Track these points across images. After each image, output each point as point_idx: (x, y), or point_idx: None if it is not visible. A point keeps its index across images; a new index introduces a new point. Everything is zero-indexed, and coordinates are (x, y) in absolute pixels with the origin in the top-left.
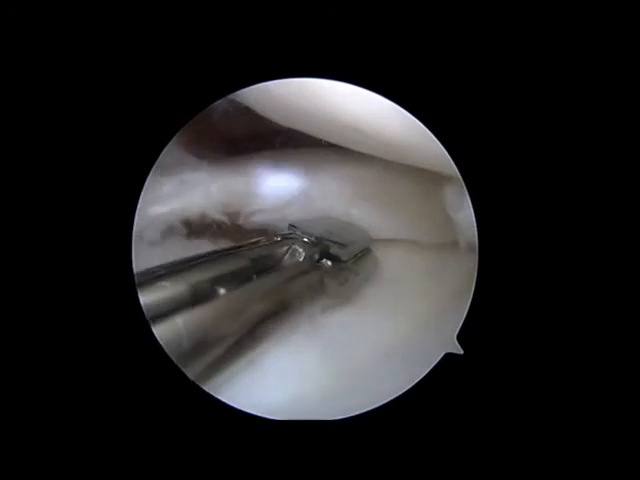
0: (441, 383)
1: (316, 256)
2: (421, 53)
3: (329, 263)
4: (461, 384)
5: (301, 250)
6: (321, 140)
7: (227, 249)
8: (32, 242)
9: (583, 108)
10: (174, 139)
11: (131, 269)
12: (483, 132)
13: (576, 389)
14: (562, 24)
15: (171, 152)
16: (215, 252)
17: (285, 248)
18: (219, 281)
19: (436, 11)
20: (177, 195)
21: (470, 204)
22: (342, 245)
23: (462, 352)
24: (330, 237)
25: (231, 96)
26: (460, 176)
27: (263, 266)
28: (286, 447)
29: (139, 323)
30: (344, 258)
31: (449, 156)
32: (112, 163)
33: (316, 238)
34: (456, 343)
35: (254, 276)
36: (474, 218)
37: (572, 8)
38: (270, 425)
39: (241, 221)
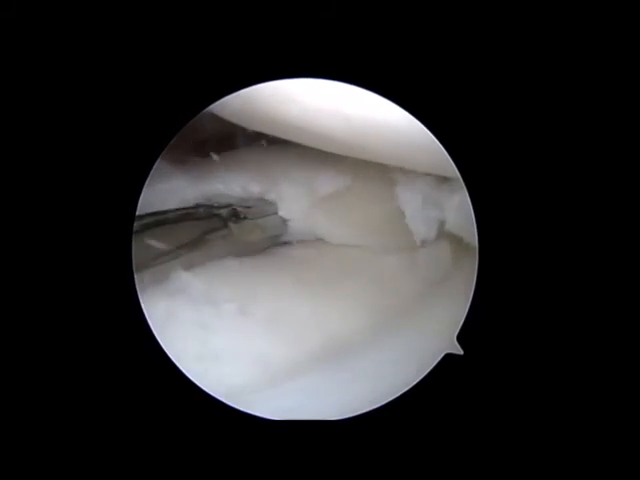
0: (441, 383)
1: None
2: (419, 52)
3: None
4: (461, 384)
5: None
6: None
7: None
8: (29, 242)
9: (582, 108)
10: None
11: (130, 268)
12: (483, 132)
13: (576, 389)
14: (560, 24)
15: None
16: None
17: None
18: None
19: (435, 11)
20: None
21: (470, 204)
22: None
23: (462, 352)
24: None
25: (212, 107)
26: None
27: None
28: (286, 447)
29: (139, 323)
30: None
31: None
32: (111, 160)
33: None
34: (456, 343)
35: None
36: (474, 217)
37: (570, 8)
38: (270, 425)
39: None
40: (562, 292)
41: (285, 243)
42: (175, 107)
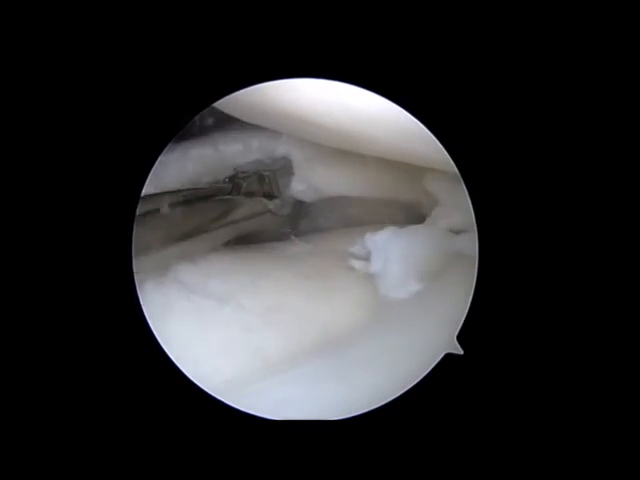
0: (441, 383)
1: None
2: (417, 52)
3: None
4: (461, 384)
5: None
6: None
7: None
8: (28, 240)
9: (582, 109)
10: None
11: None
12: (482, 132)
13: (576, 388)
14: (555, 23)
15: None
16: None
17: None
18: None
19: (433, 11)
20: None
21: (469, 202)
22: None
23: (462, 352)
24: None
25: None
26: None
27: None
28: (286, 447)
29: (139, 323)
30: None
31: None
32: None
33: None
34: (456, 343)
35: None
36: (473, 216)
37: (560, 9)
38: (270, 425)
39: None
40: (562, 292)
41: (285, 237)
42: (174, 107)
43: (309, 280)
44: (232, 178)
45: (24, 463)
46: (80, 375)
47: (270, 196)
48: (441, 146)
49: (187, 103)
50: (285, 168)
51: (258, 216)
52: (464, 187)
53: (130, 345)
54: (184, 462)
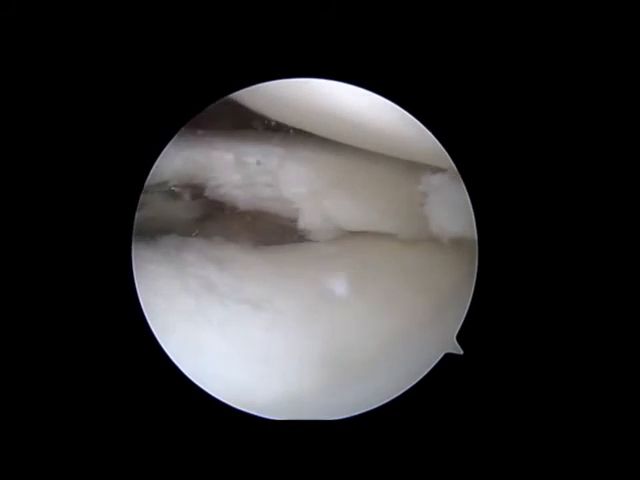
0: (441, 383)
1: None
2: (415, 51)
3: None
4: (461, 384)
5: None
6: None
7: None
8: (28, 238)
9: (581, 109)
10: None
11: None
12: (482, 131)
13: (576, 388)
14: (553, 18)
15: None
16: None
17: None
18: None
19: (431, 11)
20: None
21: (468, 199)
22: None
23: (462, 352)
24: None
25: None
26: (455, 167)
27: None
28: (286, 447)
29: (139, 323)
30: None
31: (442, 147)
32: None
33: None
34: (456, 343)
35: None
36: (473, 215)
37: (557, 8)
38: (269, 425)
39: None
40: (563, 291)
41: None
42: (175, 107)
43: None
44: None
45: (19, 458)
46: (78, 378)
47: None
48: (441, 146)
49: (182, 105)
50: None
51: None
52: (464, 187)
53: (129, 343)
54: (184, 462)
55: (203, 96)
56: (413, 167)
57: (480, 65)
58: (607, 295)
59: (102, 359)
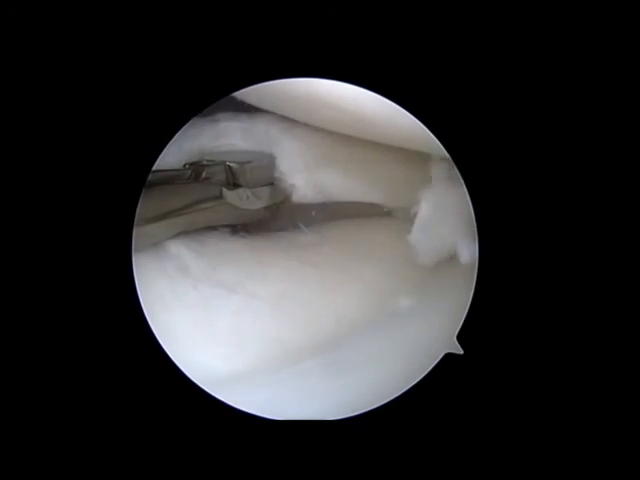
0: (441, 383)
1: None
2: (415, 51)
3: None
4: (461, 384)
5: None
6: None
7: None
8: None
9: (582, 109)
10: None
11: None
12: (482, 131)
13: (576, 388)
14: (551, 17)
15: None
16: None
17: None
18: None
19: (430, 11)
20: None
21: (468, 197)
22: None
23: (462, 352)
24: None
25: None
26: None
27: None
28: (286, 447)
29: (139, 323)
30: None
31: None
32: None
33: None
34: (456, 343)
35: None
36: (473, 216)
37: (554, 9)
38: (270, 425)
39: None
40: (563, 291)
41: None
42: (175, 107)
43: (320, 270)
44: (194, 164)
45: (18, 458)
46: (86, 367)
47: (235, 186)
48: (441, 146)
49: (182, 105)
50: (266, 166)
51: (213, 206)
52: (464, 188)
53: (129, 342)
54: (183, 462)
55: (203, 96)
56: (410, 155)
57: (480, 65)
58: (607, 295)
59: (96, 343)
